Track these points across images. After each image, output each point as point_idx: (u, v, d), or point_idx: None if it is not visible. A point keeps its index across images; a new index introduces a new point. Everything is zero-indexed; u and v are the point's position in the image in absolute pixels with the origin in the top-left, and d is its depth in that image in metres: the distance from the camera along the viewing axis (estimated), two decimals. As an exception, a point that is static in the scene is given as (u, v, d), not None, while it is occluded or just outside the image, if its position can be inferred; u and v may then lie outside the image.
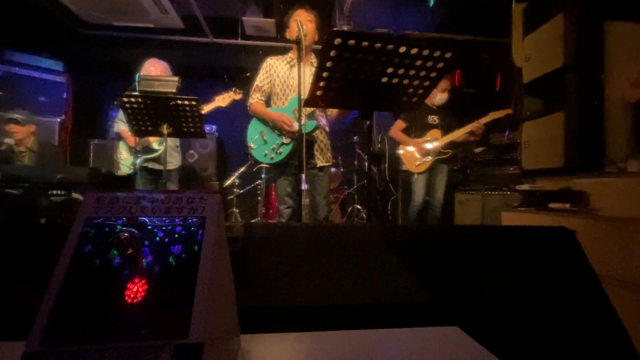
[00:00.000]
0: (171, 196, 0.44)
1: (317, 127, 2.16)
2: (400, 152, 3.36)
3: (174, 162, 2.97)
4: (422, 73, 1.38)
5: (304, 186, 1.82)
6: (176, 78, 2.22)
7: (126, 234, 0.39)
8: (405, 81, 1.41)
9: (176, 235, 0.41)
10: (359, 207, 4.26)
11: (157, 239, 0.40)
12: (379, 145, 4.30)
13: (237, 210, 4.25)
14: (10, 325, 0.50)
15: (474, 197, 3.47)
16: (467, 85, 4.50)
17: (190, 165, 4.41)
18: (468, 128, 3.09)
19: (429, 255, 0.85)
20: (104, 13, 4.11)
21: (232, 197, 4.25)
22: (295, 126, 2.02)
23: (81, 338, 0.34)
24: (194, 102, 2.09)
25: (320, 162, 2.25)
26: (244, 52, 4.78)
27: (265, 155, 2.22)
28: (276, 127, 2.19)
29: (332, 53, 1.26)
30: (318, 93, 1.45)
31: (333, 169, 3.93)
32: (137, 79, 2.22)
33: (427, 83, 1.44)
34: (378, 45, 1.24)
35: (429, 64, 1.34)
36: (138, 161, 2.80)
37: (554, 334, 0.74)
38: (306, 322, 0.63)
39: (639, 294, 1.37)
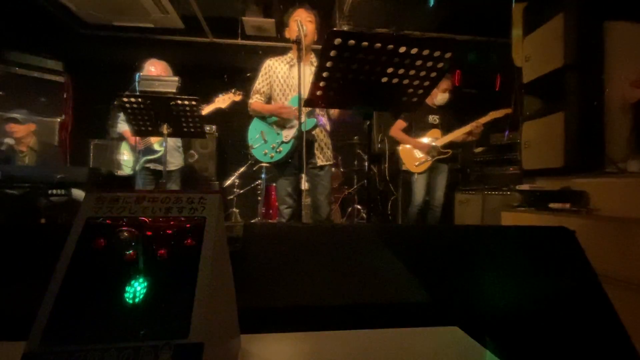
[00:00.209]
0: (171, 196, 0.45)
1: (316, 125, 2.17)
2: (399, 148, 3.36)
3: (175, 162, 2.95)
4: (423, 73, 1.38)
5: (304, 186, 1.82)
6: (176, 78, 2.22)
7: (126, 234, 0.39)
8: (406, 81, 1.41)
9: (176, 236, 0.41)
10: (359, 207, 4.25)
11: (157, 239, 0.40)
12: (379, 145, 4.30)
13: (237, 210, 4.25)
14: (10, 325, 0.50)
15: (473, 197, 3.47)
16: (467, 85, 4.49)
17: (190, 165, 4.41)
18: (467, 128, 3.10)
19: (429, 255, 0.85)
20: (104, 13, 4.11)
21: (232, 197, 4.24)
22: (296, 111, 2.03)
23: (81, 338, 0.34)
24: (194, 102, 2.09)
25: (320, 161, 2.25)
26: (243, 52, 4.77)
27: (265, 154, 2.23)
28: (276, 123, 2.20)
29: (332, 53, 1.26)
30: (318, 93, 1.45)
31: (333, 169, 3.93)
32: (137, 79, 2.23)
33: (427, 83, 1.43)
34: (378, 45, 1.24)
35: (429, 63, 1.34)
36: (139, 162, 2.80)
37: (554, 334, 0.73)
38: (306, 322, 0.63)
39: (639, 294, 1.37)
